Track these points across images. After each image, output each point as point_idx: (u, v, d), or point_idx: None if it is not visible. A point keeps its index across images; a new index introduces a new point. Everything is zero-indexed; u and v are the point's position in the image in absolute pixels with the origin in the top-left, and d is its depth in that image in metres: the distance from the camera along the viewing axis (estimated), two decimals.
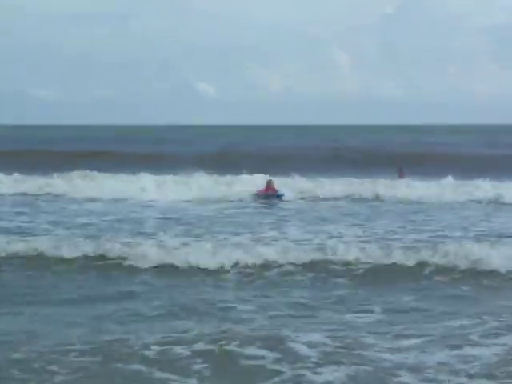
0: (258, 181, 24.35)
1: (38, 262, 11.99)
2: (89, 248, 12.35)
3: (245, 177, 26.04)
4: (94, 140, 60.78)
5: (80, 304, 9.45)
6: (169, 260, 11.78)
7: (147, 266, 11.62)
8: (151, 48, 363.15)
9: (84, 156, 37.65)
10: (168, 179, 25.56)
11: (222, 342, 7.38)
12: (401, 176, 26.70)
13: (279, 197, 22.16)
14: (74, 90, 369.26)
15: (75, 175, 26.65)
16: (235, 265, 11.49)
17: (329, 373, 6.73)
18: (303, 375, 6.68)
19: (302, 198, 22.35)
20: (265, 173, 25.28)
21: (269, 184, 22.78)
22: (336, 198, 22.38)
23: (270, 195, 22.21)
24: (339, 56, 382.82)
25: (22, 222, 16.59)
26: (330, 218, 17.49)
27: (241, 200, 21.66)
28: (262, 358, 7.07)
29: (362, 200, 22.25)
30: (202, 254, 11.82)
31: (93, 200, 21.61)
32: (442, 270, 11.30)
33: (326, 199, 22.25)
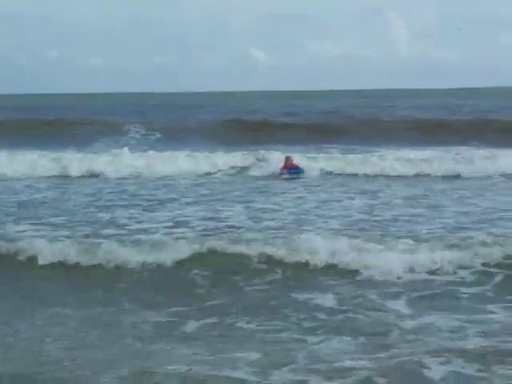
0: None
1: None
2: None
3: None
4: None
5: None
6: None
7: None
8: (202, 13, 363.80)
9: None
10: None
11: None
12: None
13: (298, 173, 21.26)
14: (130, 58, 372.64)
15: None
16: None
17: None
18: None
19: (329, 173, 21.42)
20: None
21: (287, 160, 21.78)
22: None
23: (288, 172, 21.30)
24: (395, 23, 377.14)
25: None
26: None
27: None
28: None
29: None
30: None
31: None
32: None
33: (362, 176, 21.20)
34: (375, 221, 13.35)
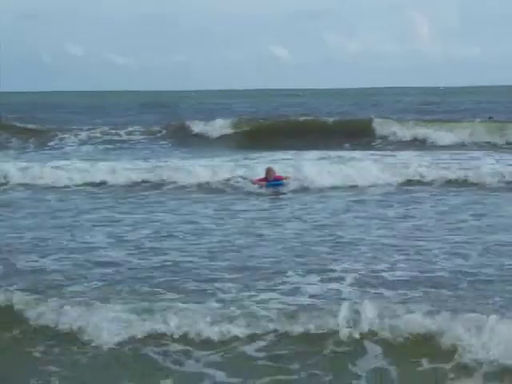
0: None
1: None
2: None
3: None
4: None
5: None
6: None
7: None
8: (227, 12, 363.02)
9: None
10: None
11: None
12: None
13: (279, 185, 18.29)
14: (151, 55, 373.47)
15: None
16: None
17: None
18: None
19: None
20: None
21: (268, 173, 18.67)
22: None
23: (268, 185, 18.28)
24: (416, 20, 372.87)
25: None
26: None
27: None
28: None
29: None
30: None
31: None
32: None
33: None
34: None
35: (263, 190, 17.79)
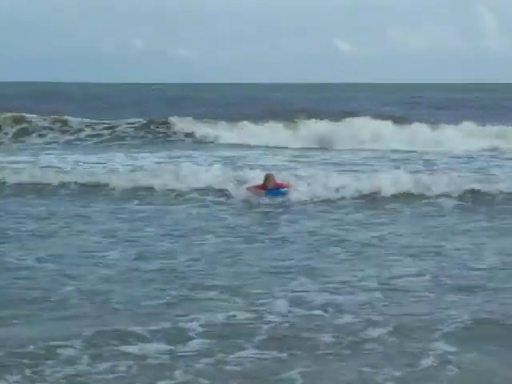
0: None
1: None
2: None
3: None
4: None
5: None
6: None
7: None
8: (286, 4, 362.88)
9: None
10: None
11: None
12: None
13: (281, 194, 16.33)
14: (210, 49, 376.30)
15: None
16: None
17: None
18: None
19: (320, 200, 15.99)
20: None
21: (267, 179, 16.50)
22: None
23: (268, 194, 16.24)
24: (482, 15, 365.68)
25: None
26: None
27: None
28: None
29: None
30: None
31: None
32: None
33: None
34: None
35: (265, 199, 15.87)
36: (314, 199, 16.02)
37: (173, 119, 32.56)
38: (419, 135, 28.87)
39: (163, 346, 7.27)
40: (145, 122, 33.25)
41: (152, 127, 32.67)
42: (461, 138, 28.49)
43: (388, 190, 16.37)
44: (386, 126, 30.10)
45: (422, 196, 16.19)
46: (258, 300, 8.82)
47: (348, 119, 30.95)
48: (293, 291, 9.21)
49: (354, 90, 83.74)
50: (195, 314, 8.23)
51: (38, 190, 17.33)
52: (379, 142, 28.24)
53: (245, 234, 12.83)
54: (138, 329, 7.70)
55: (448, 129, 29.90)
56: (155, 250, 11.48)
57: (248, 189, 16.44)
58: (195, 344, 7.37)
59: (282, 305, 8.63)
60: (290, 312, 8.38)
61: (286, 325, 7.96)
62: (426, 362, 6.98)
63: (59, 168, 20.32)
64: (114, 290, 9.21)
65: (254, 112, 37.62)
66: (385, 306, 8.65)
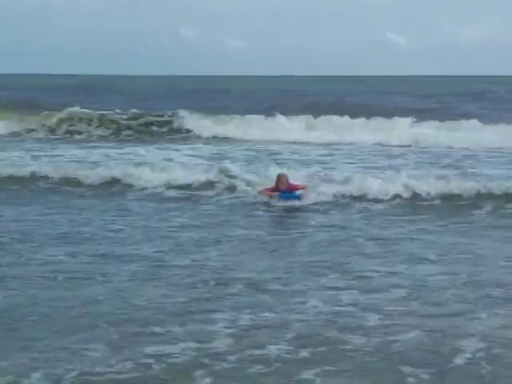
0: None
1: None
2: None
3: None
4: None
5: None
6: None
7: None
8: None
9: None
10: None
11: None
12: None
13: (296, 198, 14.70)
14: (264, 41, 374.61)
15: None
16: None
17: None
18: None
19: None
20: None
21: (279, 180, 14.95)
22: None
23: (281, 196, 14.76)
24: None
25: None
26: None
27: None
28: None
29: None
30: None
31: None
32: None
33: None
34: None
35: (279, 203, 14.54)
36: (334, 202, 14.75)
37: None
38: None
39: (190, 345, 7.22)
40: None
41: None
42: None
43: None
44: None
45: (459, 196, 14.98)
46: (288, 297, 8.75)
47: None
48: (321, 288, 9.13)
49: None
50: (221, 311, 8.20)
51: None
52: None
53: (275, 228, 12.93)
54: (162, 328, 7.68)
55: None
56: (184, 243, 11.47)
57: (259, 192, 15.12)
58: (221, 342, 7.32)
59: (310, 302, 8.57)
60: (317, 309, 8.29)
61: (315, 323, 7.87)
62: (458, 360, 6.89)
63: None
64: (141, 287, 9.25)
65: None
66: (414, 304, 8.52)
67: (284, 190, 14.72)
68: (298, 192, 14.77)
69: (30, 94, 50.76)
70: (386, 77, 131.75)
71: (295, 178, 15.65)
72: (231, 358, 6.96)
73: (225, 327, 7.74)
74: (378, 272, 9.85)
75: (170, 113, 32.77)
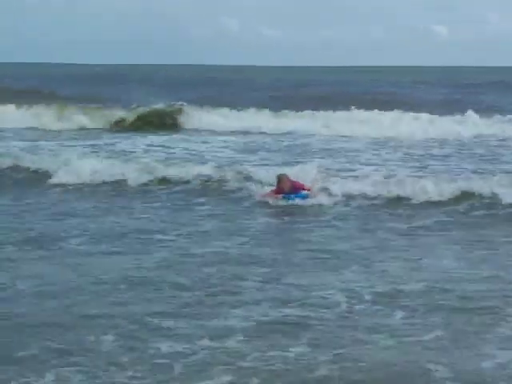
0: None
1: None
2: None
3: None
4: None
5: None
6: None
7: None
8: None
9: None
10: None
11: None
12: None
13: (302, 198, 13.42)
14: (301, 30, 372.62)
15: None
16: None
17: None
18: None
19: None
20: None
21: (281, 182, 13.54)
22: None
23: (286, 198, 13.42)
24: None
25: None
26: None
27: None
28: None
29: None
30: None
31: None
32: None
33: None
34: None
35: (283, 202, 13.33)
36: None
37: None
38: None
39: (206, 343, 6.97)
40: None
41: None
42: None
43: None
44: None
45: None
46: (308, 291, 8.50)
47: None
48: (343, 282, 8.85)
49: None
50: (240, 306, 7.97)
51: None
52: None
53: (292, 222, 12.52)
54: (178, 323, 7.48)
55: None
56: (203, 234, 11.36)
57: (262, 196, 13.71)
58: (239, 340, 7.06)
59: (332, 298, 8.30)
60: (340, 306, 8.00)
61: (335, 319, 7.61)
62: (486, 364, 6.59)
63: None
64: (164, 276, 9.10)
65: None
66: (442, 301, 8.17)
67: (287, 190, 13.40)
68: (303, 193, 13.49)
69: (89, 85, 51.29)
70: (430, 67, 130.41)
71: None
72: (248, 355, 6.72)
73: (241, 322, 7.54)
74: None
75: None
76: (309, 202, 13.26)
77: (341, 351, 6.79)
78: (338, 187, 13.91)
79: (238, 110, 31.16)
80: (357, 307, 8.00)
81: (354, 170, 16.99)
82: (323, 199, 13.36)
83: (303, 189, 13.50)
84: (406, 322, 7.56)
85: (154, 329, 7.34)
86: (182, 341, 7.02)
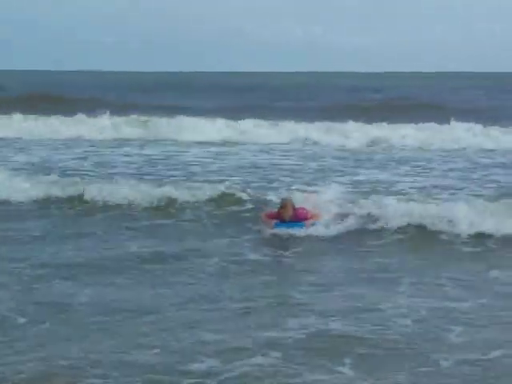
0: None
1: None
2: None
3: None
4: None
5: None
6: None
7: None
8: None
9: None
10: None
11: None
12: None
13: (297, 227, 11.59)
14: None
15: None
16: None
17: None
18: None
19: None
20: None
21: (284, 207, 11.72)
22: None
23: (279, 226, 11.65)
24: None
25: None
26: None
27: None
28: None
29: None
30: None
31: None
32: None
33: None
34: None
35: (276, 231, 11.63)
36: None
37: None
38: None
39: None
40: None
41: None
42: None
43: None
44: None
45: None
46: (358, 303, 8.25)
47: None
48: (395, 298, 8.48)
49: None
50: (285, 321, 7.64)
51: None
52: None
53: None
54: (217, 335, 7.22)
55: None
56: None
57: (261, 217, 12.13)
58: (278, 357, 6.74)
59: (385, 312, 7.96)
60: (393, 320, 7.67)
61: (390, 334, 7.27)
62: None
63: None
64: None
65: None
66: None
67: (288, 219, 11.65)
68: (303, 223, 11.67)
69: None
70: None
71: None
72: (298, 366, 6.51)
73: (295, 333, 7.33)
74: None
75: None
76: (301, 232, 11.56)
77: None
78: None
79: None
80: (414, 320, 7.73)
81: None
82: (319, 230, 11.60)
83: (306, 218, 11.76)
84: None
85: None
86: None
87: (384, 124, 26.87)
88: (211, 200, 13.43)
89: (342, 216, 11.98)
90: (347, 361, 6.66)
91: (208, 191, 13.73)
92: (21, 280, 9.15)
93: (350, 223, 11.76)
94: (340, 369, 6.52)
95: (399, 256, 10.52)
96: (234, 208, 13.15)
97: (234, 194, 13.63)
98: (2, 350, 6.85)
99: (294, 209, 11.74)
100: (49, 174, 15.96)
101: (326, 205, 12.25)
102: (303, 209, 11.90)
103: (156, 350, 6.86)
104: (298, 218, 11.69)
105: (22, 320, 7.73)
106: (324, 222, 11.72)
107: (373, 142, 24.76)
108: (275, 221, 11.70)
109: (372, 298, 8.46)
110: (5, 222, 12.47)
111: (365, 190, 14.95)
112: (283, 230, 11.52)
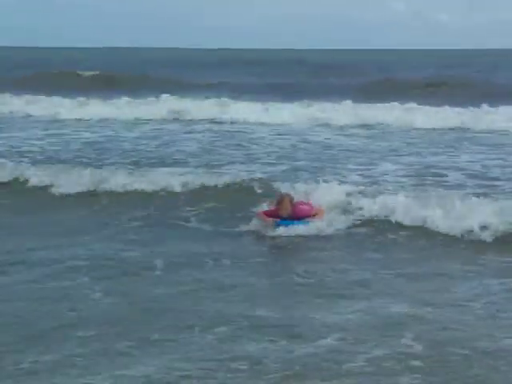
0: None
1: None
2: None
3: None
4: None
5: None
6: None
7: None
8: None
9: None
10: None
11: None
12: None
13: (298, 225, 10.74)
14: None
15: None
16: None
17: None
18: None
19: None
20: None
21: (281, 203, 10.87)
22: None
23: (280, 224, 10.78)
24: None
25: None
26: None
27: None
28: None
29: None
30: None
31: None
32: None
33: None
34: None
35: (275, 231, 10.74)
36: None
37: None
38: None
39: None
40: None
41: None
42: None
43: None
44: None
45: None
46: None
47: None
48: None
49: None
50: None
51: None
52: None
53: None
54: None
55: None
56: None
57: (258, 215, 11.20)
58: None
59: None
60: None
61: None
62: None
63: None
64: None
65: None
66: None
67: (285, 215, 10.80)
68: (306, 221, 10.80)
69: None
70: None
71: None
72: None
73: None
74: None
75: None
76: (306, 228, 10.74)
77: None
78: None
79: None
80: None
81: None
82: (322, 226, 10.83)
83: (307, 214, 10.90)
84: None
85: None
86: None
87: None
88: None
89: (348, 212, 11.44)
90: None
91: None
92: None
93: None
94: None
95: None
96: None
97: None
98: None
99: (293, 204, 10.84)
100: None
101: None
102: (304, 203, 11.12)
103: None
104: (298, 214, 10.83)
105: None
106: (326, 219, 10.96)
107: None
108: (273, 219, 10.85)
109: None
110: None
111: None
112: (286, 228, 10.69)
